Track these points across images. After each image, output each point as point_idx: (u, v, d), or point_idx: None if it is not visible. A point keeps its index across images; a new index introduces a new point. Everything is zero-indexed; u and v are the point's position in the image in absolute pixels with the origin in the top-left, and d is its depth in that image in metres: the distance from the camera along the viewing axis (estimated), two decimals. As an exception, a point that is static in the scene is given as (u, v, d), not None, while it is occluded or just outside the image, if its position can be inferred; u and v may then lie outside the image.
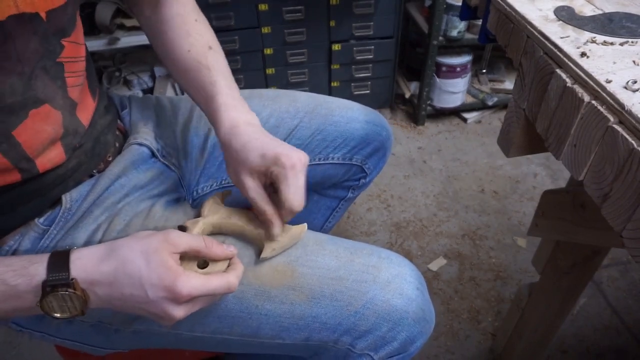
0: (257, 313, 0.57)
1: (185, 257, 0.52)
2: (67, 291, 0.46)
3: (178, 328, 0.59)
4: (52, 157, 0.55)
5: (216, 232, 0.60)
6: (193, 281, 0.47)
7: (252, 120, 0.60)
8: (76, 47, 0.56)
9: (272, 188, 0.58)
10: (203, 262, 0.53)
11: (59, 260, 0.47)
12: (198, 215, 0.60)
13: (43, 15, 0.49)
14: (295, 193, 0.54)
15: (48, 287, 0.45)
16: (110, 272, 0.47)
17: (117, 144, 0.66)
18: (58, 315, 0.47)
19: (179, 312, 0.48)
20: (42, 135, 0.53)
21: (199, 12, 0.69)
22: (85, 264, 0.47)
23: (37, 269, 0.46)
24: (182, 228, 0.57)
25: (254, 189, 0.56)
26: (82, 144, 0.60)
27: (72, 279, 0.46)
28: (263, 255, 0.57)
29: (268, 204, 0.56)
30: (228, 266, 0.54)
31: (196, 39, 0.64)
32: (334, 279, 0.58)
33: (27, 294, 0.46)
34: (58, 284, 0.45)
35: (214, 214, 0.60)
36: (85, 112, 0.60)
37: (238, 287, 0.56)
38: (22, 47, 0.48)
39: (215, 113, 0.60)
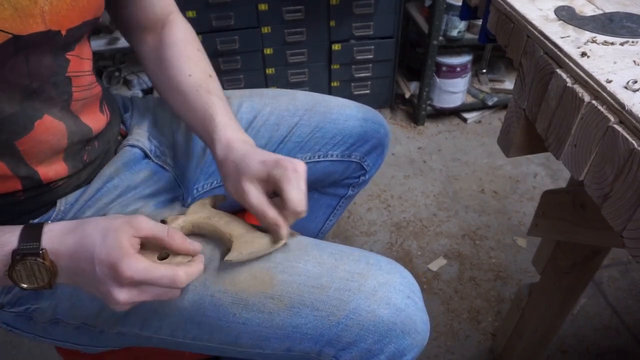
0: (234, 322, 0.56)
1: (148, 246, 0.51)
2: (35, 260, 0.46)
3: (160, 333, 0.58)
4: (53, 167, 0.55)
5: (196, 232, 0.59)
6: (138, 264, 0.46)
7: (248, 140, 0.60)
8: (80, 61, 0.56)
9: (273, 194, 0.57)
10: (166, 254, 0.52)
11: (32, 231, 0.47)
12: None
13: (64, 32, 0.50)
14: (298, 194, 0.53)
15: (18, 256, 0.45)
16: (71, 245, 0.47)
17: (116, 150, 0.66)
18: (25, 285, 0.47)
19: (121, 294, 0.46)
20: (43, 146, 0.53)
21: (199, 43, 0.69)
22: (54, 236, 0.47)
23: (9, 238, 0.46)
24: (163, 222, 0.57)
25: (255, 195, 0.55)
26: (93, 159, 0.60)
27: (42, 249, 0.46)
28: (227, 257, 0.54)
29: (270, 208, 0.55)
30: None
31: (197, 65, 0.65)
32: (315, 287, 0.55)
33: None
34: (28, 253, 0.45)
35: (197, 213, 0.59)
36: (94, 122, 0.60)
37: (215, 294, 0.55)
38: (36, 62, 0.48)
39: (213, 131, 0.59)
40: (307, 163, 0.79)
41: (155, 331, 0.58)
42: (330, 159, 0.80)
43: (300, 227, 0.94)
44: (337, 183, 0.87)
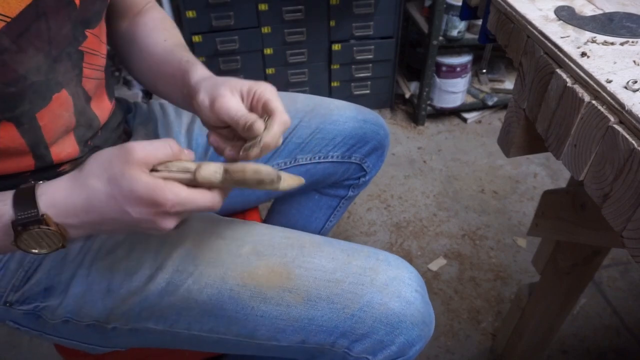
0: (252, 314, 0.57)
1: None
2: (40, 228, 0.44)
3: (175, 327, 0.59)
4: (65, 147, 0.56)
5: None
6: (178, 195, 0.44)
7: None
8: (98, 42, 0.57)
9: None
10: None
11: (24, 195, 0.44)
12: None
13: (77, 1, 0.51)
14: (282, 106, 0.51)
15: (19, 227, 0.43)
16: (82, 202, 0.45)
17: None
18: (37, 251, 0.45)
19: (168, 222, 0.45)
20: (60, 121, 0.54)
21: (177, 28, 0.69)
22: (53, 198, 0.45)
23: (2, 208, 0.44)
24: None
25: (236, 100, 0.51)
26: (97, 145, 0.60)
27: (43, 215, 0.44)
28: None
29: (249, 112, 0.51)
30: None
31: (174, 37, 0.65)
32: (331, 281, 0.57)
33: None
34: (29, 221, 0.43)
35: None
36: (101, 110, 0.61)
37: (234, 288, 0.57)
38: (56, 29, 0.50)
39: (190, 69, 0.57)
40: (307, 164, 0.79)
41: (171, 325, 0.59)
42: (330, 160, 0.80)
43: (301, 227, 0.94)
44: (337, 184, 0.88)
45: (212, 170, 0.47)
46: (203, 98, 0.52)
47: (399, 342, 0.58)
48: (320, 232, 0.95)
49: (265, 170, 0.47)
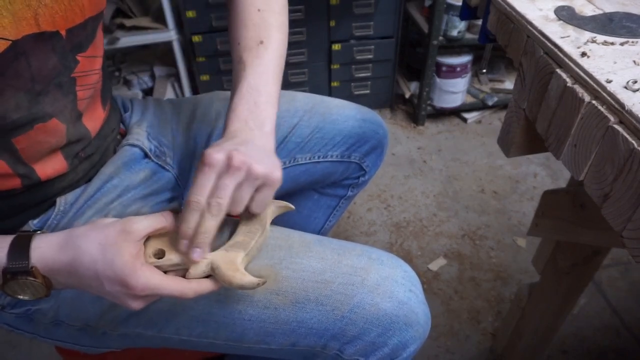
0: (240, 318, 0.56)
1: (152, 237, 0.52)
2: (27, 279, 0.46)
3: (164, 332, 0.59)
4: (53, 164, 0.55)
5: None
6: (148, 281, 0.47)
7: (238, 130, 0.56)
8: (91, 61, 0.55)
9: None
10: (162, 252, 0.51)
11: (20, 246, 0.47)
12: None
13: (63, 33, 0.49)
14: (194, 187, 0.49)
15: (8, 275, 0.46)
16: (68, 262, 0.47)
17: (115, 149, 0.66)
18: (21, 297, 0.48)
19: (135, 304, 0.48)
20: (42, 146, 0.53)
21: (266, 1, 0.64)
22: (44, 253, 0.47)
23: None
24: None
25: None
26: (89, 154, 0.60)
27: (32, 267, 0.46)
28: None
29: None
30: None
31: (249, 32, 0.61)
32: (319, 282, 0.56)
33: None
34: (18, 271, 0.46)
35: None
36: (93, 121, 0.59)
37: (220, 292, 0.56)
38: (39, 65, 0.48)
39: (226, 115, 0.58)
40: (307, 164, 0.79)
41: (160, 330, 0.59)
42: (330, 159, 0.80)
43: (300, 227, 0.94)
44: (336, 184, 0.87)
45: (201, 271, 0.51)
46: None
47: (392, 343, 0.56)
48: (320, 232, 0.95)
49: (249, 284, 0.51)
